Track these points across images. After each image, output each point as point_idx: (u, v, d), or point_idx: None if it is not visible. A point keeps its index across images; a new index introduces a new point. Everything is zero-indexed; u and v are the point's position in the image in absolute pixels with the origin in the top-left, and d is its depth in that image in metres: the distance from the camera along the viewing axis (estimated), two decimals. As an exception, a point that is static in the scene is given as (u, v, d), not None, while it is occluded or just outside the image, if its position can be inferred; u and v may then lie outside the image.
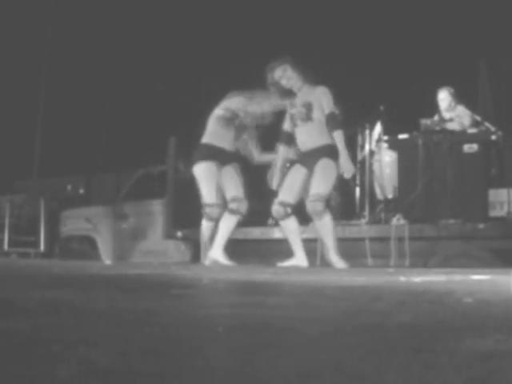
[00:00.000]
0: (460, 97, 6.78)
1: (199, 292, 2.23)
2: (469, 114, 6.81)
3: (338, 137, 5.14)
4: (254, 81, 5.54)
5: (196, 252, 7.40)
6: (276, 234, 6.46)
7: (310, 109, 5.23)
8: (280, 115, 5.56)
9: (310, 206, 5.08)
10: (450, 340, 1.10)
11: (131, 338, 1.13)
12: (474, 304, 1.74)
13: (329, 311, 1.61)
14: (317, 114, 5.22)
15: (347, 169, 5.10)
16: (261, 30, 9.42)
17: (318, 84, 5.36)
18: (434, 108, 7.15)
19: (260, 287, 2.58)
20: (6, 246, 9.30)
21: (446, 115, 6.95)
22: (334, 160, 5.12)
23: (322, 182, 5.09)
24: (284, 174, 5.46)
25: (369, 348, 1.03)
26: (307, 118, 5.23)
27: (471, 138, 6.17)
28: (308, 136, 5.25)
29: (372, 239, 5.97)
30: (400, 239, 5.74)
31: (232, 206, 5.51)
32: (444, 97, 7.05)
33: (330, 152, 5.13)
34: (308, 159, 5.22)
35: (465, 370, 0.86)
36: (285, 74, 5.36)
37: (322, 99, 5.25)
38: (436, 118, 6.92)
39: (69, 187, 11.75)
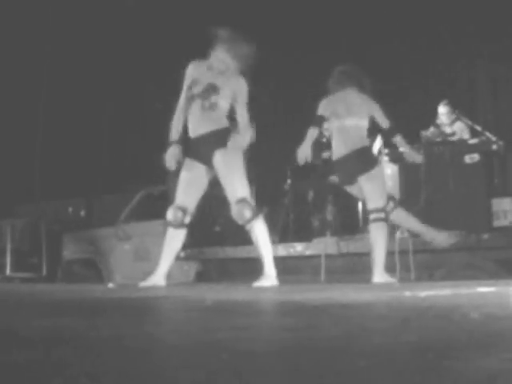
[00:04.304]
0: (459, 111, 6.77)
1: (204, 315, 2.22)
2: (467, 130, 6.84)
3: None
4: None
5: (201, 271, 7.36)
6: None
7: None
8: None
9: None
10: (455, 360, 1.08)
11: (134, 368, 1.12)
12: (480, 319, 1.72)
13: (332, 332, 1.59)
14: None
15: None
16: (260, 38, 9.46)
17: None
18: (433, 119, 7.15)
19: (264, 307, 2.56)
20: (8, 271, 9.25)
21: (447, 129, 6.97)
22: None
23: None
24: None
25: (373, 372, 1.02)
26: None
27: (472, 149, 6.17)
28: None
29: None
30: (404, 252, 5.70)
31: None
32: (445, 111, 7.08)
33: None
34: None
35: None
36: None
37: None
38: (432, 129, 6.92)
39: (70, 210, 11.72)
